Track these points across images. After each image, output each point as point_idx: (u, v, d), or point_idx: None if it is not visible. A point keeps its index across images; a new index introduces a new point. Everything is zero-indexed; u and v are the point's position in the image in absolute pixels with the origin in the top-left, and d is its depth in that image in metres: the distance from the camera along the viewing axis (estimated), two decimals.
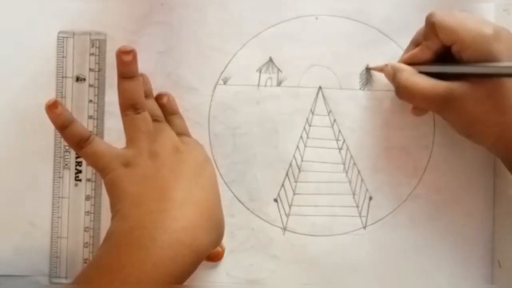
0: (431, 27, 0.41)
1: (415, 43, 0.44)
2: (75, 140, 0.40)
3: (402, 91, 0.42)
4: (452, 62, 0.40)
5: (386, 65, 0.44)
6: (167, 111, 0.44)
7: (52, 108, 0.39)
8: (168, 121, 0.43)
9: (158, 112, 0.43)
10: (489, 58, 0.38)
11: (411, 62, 0.42)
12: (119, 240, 0.37)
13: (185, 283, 0.40)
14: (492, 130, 0.40)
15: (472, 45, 0.39)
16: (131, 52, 0.41)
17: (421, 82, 0.41)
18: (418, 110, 0.44)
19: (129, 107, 0.41)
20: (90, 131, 0.41)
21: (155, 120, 0.42)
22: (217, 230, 0.40)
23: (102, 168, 0.40)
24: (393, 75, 0.43)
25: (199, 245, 0.38)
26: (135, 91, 0.41)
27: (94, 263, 0.37)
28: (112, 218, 0.39)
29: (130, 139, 0.41)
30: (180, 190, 0.38)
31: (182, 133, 0.43)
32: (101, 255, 0.37)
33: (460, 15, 0.41)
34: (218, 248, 0.44)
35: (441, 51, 0.41)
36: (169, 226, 0.37)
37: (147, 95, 0.43)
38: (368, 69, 0.46)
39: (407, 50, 0.44)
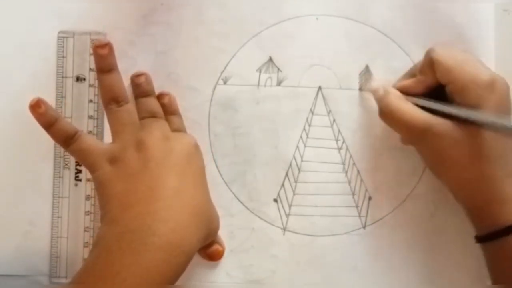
0: (429, 63, 0.41)
1: (411, 74, 0.44)
2: (61, 138, 0.40)
3: (384, 112, 0.42)
4: (441, 98, 0.41)
5: (378, 88, 0.44)
6: (167, 111, 0.44)
7: (35, 107, 0.40)
8: (168, 120, 0.43)
9: (159, 110, 0.43)
10: (478, 105, 0.39)
11: (402, 92, 0.43)
12: (109, 245, 0.37)
13: (183, 283, 0.40)
14: (460, 175, 0.40)
15: (466, 89, 0.39)
16: (107, 46, 0.41)
17: (404, 108, 0.41)
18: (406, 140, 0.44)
19: (110, 100, 0.41)
20: (76, 129, 0.41)
21: (153, 117, 0.42)
22: (207, 226, 0.40)
23: (89, 166, 0.40)
24: (381, 96, 0.43)
25: (189, 245, 0.38)
26: (115, 84, 0.42)
27: (87, 269, 0.37)
28: (101, 220, 0.39)
29: (115, 133, 0.41)
30: (168, 188, 0.38)
31: (178, 130, 0.43)
32: (94, 261, 0.37)
33: (460, 56, 0.41)
34: (218, 247, 0.44)
35: (434, 87, 0.41)
36: (158, 229, 0.37)
37: (149, 93, 0.44)
38: (360, 90, 0.46)
39: (402, 79, 0.44)
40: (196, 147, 0.42)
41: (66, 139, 0.40)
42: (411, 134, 0.41)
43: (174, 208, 0.38)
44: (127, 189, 0.38)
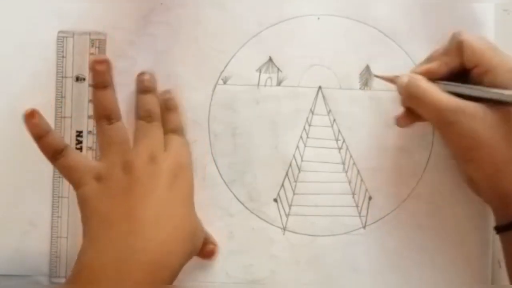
0: (457, 45, 0.40)
1: (431, 59, 0.43)
2: (49, 151, 0.40)
3: (413, 96, 0.41)
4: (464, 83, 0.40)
5: (398, 76, 0.43)
6: (165, 106, 0.44)
7: (29, 117, 0.40)
8: (164, 117, 0.43)
9: (154, 110, 0.43)
10: (509, 87, 0.38)
11: (425, 76, 0.42)
12: (92, 262, 0.37)
13: (183, 283, 0.40)
14: (494, 160, 0.39)
15: (497, 70, 0.39)
16: (105, 62, 0.42)
17: (435, 91, 0.40)
18: (403, 120, 0.43)
19: (102, 117, 0.41)
20: (66, 144, 0.41)
21: (148, 118, 0.42)
22: (192, 241, 0.41)
23: (74, 182, 0.40)
24: (406, 82, 0.41)
25: (174, 261, 0.38)
26: (108, 101, 0.42)
27: (72, 281, 0.37)
28: (83, 236, 0.39)
29: (103, 151, 0.41)
30: (151, 207, 0.38)
31: (173, 130, 0.43)
32: (77, 276, 0.37)
33: (486, 40, 0.41)
34: (211, 245, 0.44)
35: (455, 73, 0.41)
36: (141, 248, 0.37)
37: (150, 90, 0.44)
38: (376, 76, 0.45)
39: (421, 64, 0.44)
40: (182, 166, 0.42)
41: (54, 154, 0.40)
42: (442, 117, 0.40)
43: (158, 226, 0.38)
44: (110, 208, 0.38)
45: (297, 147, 0.46)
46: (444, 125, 0.41)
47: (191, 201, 0.42)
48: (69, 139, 0.45)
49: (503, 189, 0.40)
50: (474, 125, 0.39)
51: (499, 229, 0.41)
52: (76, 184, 0.40)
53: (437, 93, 0.40)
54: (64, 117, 0.45)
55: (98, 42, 0.45)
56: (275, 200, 0.45)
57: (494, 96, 0.39)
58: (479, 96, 0.39)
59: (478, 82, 0.40)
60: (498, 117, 0.39)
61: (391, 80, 0.44)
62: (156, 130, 0.42)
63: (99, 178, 0.40)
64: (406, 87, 0.42)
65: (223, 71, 0.45)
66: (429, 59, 0.43)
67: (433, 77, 0.41)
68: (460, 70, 0.41)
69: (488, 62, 0.39)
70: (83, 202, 0.39)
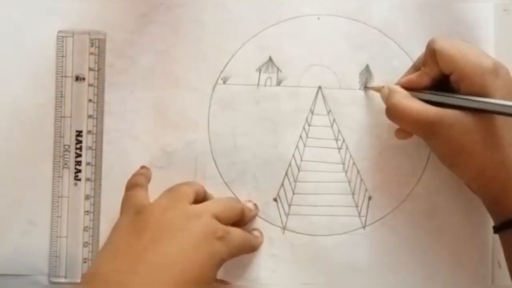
0: (432, 54, 0.40)
1: (415, 68, 0.44)
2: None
3: (392, 112, 0.41)
4: (448, 91, 0.40)
5: (383, 86, 0.43)
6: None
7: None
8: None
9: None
10: (485, 91, 0.39)
11: (407, 87, 0.42)
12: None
13: None
14: (475, 164, 0.40)
15: (471, 76, 0.39)
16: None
17: (412, 105, 0.40)
18: (402, 133, 0.43)
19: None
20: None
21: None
22: None
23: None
24: (387, 96, 0.42)
25: None
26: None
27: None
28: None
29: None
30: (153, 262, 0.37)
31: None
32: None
33: (462, 45, 0.41)
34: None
35: (439, 79, 0.41)
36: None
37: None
38: (366, 88, 0.46)
39: (406, 74, 0.44)
40: (208, 236, 0.39)
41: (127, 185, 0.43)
42: (421, 130, 0.41)
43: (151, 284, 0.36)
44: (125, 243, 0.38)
45: (297, 147, 0.46)
46: (424, 135, 0.42)
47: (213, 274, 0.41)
48: (69, 138, 0.45)
49: (491, 190, 0.40)
50: (452, 133, 0.39)
51: (496, 229, 0.41)
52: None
53: (414, 107, 0.40)
54: (64, 117, 0.45)
55: (97, 41, 0.45)
56: (275, 199, 0.45)
57: (471, 105, 0.39)
58: (457, 104, 0.39)
59: (456, 88, 0.40)
60: (476, 123, 0.39)
61: (378, 90, 0.44)
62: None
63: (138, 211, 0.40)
64: (385, 101, 0.42)
65: (222, 71, 0.46)
66: (412, 68, 0.44)
67: (416, 87, 0.42)
68: (443, 78, 0.41)
69: (462, 68, 0.39)
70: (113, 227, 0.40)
